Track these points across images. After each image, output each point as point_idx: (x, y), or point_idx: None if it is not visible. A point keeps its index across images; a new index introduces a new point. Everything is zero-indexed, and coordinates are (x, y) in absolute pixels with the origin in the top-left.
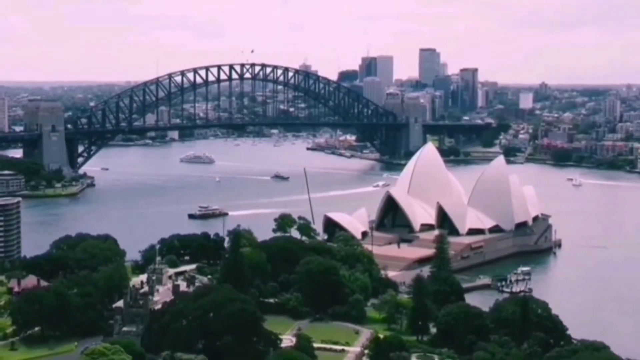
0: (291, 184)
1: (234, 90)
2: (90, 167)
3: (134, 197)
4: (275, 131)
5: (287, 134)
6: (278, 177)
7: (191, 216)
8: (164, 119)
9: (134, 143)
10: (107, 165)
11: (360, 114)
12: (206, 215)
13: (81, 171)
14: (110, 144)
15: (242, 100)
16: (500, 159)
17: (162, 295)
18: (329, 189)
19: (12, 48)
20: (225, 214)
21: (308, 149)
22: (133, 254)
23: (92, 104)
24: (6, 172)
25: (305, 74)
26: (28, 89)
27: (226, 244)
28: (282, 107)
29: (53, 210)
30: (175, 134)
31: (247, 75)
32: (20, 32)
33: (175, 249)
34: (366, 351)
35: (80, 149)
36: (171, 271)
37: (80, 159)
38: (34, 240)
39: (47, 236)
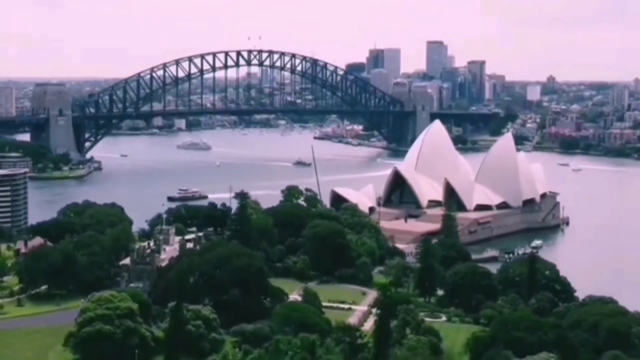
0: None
1: (241, 83)
2: (107, 154)
3: (140, 180)
4: (282, 122)
5: (294, 124)
6: (300, 163)
7: (170, 198)
8: (171, 107)
9: (141, 132)
10: (118, 153)
11: (367, 103)
12: (185, 198)
13: (88, 156)
14: (118, 133)
15: (249, 91)
16: (508, 136)
17: (168, 253)
18: (337, 173)
19: (18, 46)
20: (205, 197)
21: (315, 137)
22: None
23: None
24: (13, 154)
25: (313, 61)
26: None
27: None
28: (289, 98)
29: (60, 191)
30: (182, 124)
31: (255, 62)
32: (25, 30)
33: (182, 218)
34: (373, 309)
35: (88, 135)
36: (178, 238)
37: (87, 144)
38: (41, 215)
39: (54, 212)
